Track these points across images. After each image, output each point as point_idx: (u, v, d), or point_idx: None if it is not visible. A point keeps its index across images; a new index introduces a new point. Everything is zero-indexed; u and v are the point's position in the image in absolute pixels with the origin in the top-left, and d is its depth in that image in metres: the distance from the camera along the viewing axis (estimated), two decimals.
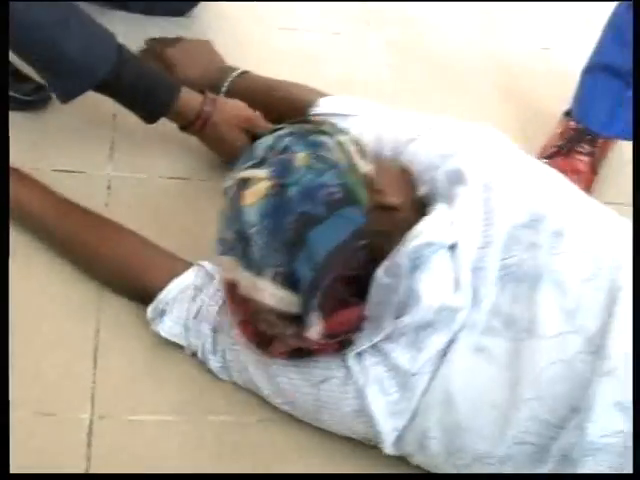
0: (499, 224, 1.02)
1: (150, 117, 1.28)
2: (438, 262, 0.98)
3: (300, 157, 0.96)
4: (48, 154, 1.26)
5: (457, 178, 1.05)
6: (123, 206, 1.23)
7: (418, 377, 0.98)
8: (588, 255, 1.01)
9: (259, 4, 1.73)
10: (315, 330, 0.95)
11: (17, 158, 1.22)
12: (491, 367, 0.98)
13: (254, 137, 1.17)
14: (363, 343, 0.98)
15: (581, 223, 1.05)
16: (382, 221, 0.99)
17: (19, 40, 1.17)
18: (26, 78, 1.29)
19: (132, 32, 1.45)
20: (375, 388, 1.00)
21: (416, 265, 0.96)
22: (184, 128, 1.29)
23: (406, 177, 1.08)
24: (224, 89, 1.37)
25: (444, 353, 0.98)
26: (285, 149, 0.98)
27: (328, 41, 1.70)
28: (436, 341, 0.98)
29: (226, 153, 1.29)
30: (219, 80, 1.38)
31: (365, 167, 0.98)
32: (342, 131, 1.03)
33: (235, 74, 1.39)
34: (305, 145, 0.98)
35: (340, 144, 0.98)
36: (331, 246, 0.92)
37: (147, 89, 1.26)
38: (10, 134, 1.27)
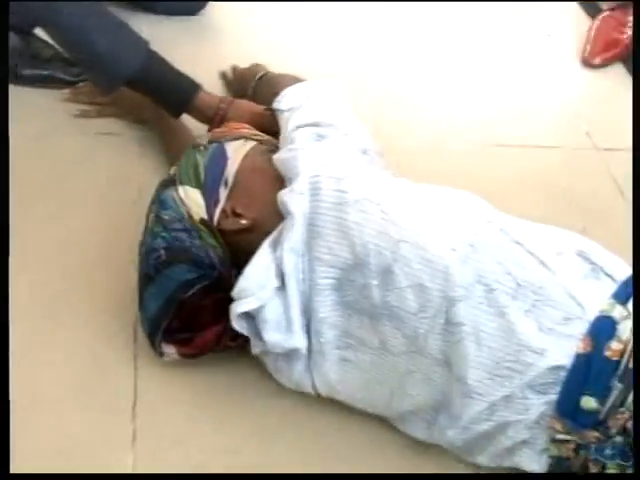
0: (322, 269, 1.06)
1: (174, 111, 1.46)
2: (269, 310, 1.06)
3: (150, 218, 1.17)
4: (93, 120, 1.56)
5: (286, 212, 1.10)
6: (154, 160, 1.50)
7: (302, 378, 1.11)
8: (415, 290, 1.02)
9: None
10: (171, 356, 1.15)
11: (71, 123, 1.54)
12: (358, 372, 1.09)
13: (264, 131, 1.34)
14: (255, 347, 1.11)
15: (410, 256, 1.03)
16: (242, 241, 1.13)
17: (62, 41, 1.44)
18: (73, 64, 1.57)
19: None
20: (282, 374, 1.13)
21: (251, 315, 1.07)
22: (210, 130, 1.42)
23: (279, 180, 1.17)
24: (249, 93, 1.54)
25: (311, 367, 1.10)
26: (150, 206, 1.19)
27: (336, 34, 1.94)
28: (297, 362, 1.10)
29: None
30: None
31: (199, 210, 1.13)
32: (190, 175, 1.17)
33: (256, 78, 1.55)
34: (156, 204, 1.17)
35: (180, 199, 1.14)
36: (159, 303, 1.11)
37: (170, 87, 1.44)
38: (64, 106, 1.56)
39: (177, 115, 1.47)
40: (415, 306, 1.03)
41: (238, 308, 1.07)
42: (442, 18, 2.09)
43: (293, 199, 1.09)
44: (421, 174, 1.53)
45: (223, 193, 1.17)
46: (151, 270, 1.14)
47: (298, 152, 1.16)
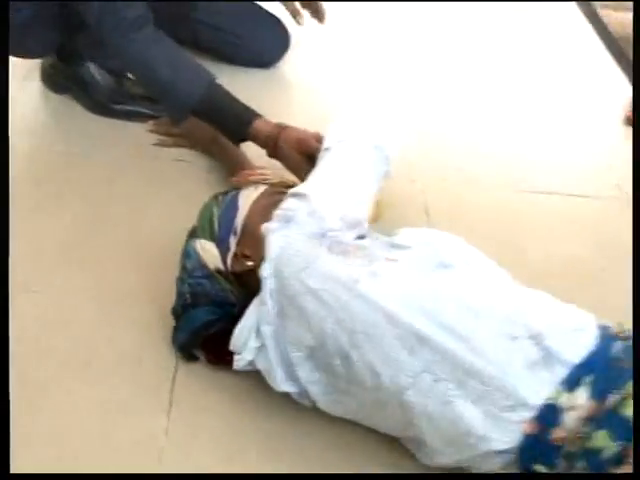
0: (291, 347, 1.17)
1: (234, 139, 1.63)
2: (258, 362, 1.20)
3: (180, 266, 1.32)
4: (169, 149, 1.80)
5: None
6: (217, 185, 1.67)
7: (301, 402, 1.23)
8: (370, 373, 1.11)
9: (336, 58, 2.20)
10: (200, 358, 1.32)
11: (151, 150, 1.78)
12: (349, 410, 1.21)
13: (310, 156, 1.44)
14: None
15: (364, 346, 1.11)
16: (254, 280, 1.20)
17: (133, 75, 1.67)
18: (156, 101, 1.79)
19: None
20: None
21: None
22: (268, 154, 1.56)
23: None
24: None
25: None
26: None
27: (398, 83, 2.15)
28: (294, 395, 1.23)
29: (294, 173, 1.50)
30: None
31: (214, 261, 1.28)
32: (205, 229, 1.31)
33: None
34: (183, 255, 1.32)
35: (197, 251, 1.29)
36: (186, 335, 1.28)
37: (230, 116, 1.57)
38: (146, 136, 1.80)
39: (237, 142, 1.62)
40: (372, 385, 1.12)
41: (234, 362, 1.22)
42: (483, 65, 2.29)
43: (262, 280, 1.17)
44: (452, 214, 1.71)
45: (233, 241, 1.30)
46: (179, 309, 1.31)
47: (268, 235, 1.20)
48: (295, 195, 1.25)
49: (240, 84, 1.92)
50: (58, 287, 1.45)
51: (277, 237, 1.19)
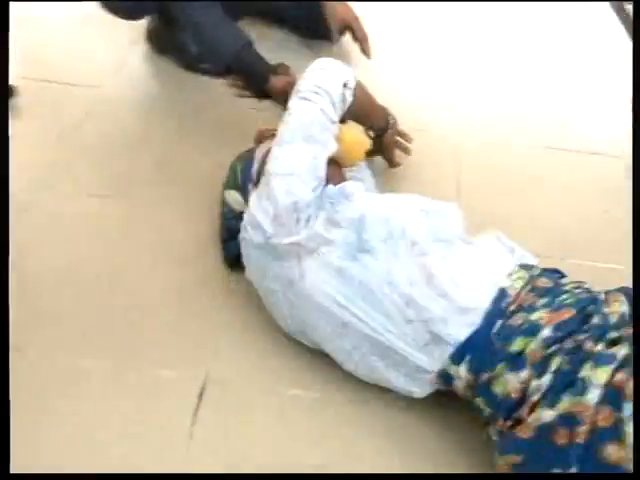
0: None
1: (259, 93, 1.93)
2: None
3: (219, 213, 1.62)
4: (246, 99, 2.11)
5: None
6: None
7: None
8: (320, 345, 1.41)
9: (396, 28, 2.44)
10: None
11: (229, 100, 2.09)
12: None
13: None
14: None
15: (311, 329, 1.39)
16: None
17: (188, 35, 1.96)
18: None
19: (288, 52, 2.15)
20: None
21: None
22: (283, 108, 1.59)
23: None
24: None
25: None
26: None
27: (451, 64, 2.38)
28: None
29: None
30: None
31: (240, 206, 1.53)
32: (231, 182, 1.58)
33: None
34: (220, 203, 1.61)
35: (227, 199, 1.57)
36: (227, 259, 1.59)
37: (253, 73, 1.89)
38: (226, 89, 2.10)
39: (262, 96, 1.92)
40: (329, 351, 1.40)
41: None
42: (515, 33, 2.54)
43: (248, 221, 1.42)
44: (485, 170, 1.97)
45: (251, 187, 1.53)
46: (222, 240, 1.61)
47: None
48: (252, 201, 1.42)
49: (311, 54, 2.23)
50: (137, 199, 1.78)
51: (242, 250, 1.45)
